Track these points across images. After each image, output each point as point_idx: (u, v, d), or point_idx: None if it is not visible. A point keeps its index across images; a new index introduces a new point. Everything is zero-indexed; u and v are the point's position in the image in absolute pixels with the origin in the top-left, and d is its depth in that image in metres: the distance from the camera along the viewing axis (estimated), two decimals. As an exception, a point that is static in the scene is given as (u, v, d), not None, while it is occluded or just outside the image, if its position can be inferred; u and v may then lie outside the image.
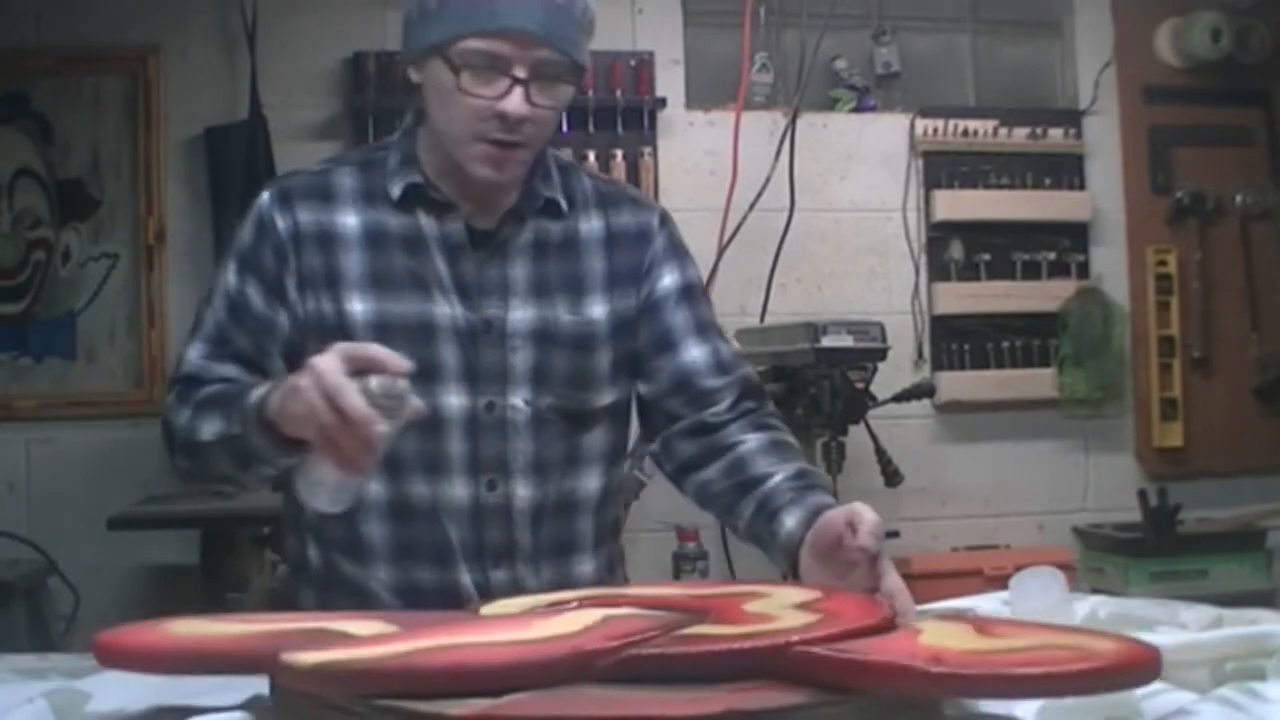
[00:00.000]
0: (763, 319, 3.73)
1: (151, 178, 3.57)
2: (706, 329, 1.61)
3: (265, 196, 1.53)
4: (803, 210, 3.76)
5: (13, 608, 3.10)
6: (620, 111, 3.69)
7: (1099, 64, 4.06)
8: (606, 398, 1.57)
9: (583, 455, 1.56)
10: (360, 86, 3.59)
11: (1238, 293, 4.09)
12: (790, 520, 1.41)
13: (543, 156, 1.56)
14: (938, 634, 0.98)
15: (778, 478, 1.48)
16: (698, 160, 3.78)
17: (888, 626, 1.00)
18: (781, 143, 3.77)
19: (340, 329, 1.46)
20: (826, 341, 3.21)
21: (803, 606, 1.07)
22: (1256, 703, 0.91)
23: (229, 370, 1.49)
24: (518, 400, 1.50)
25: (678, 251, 1.63)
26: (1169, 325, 4.05)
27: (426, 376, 1.46)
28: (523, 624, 1.03)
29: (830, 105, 3.96)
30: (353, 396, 1.19)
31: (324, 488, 1.28)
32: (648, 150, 3.73)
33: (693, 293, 1.62)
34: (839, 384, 3.25)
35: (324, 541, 1.54)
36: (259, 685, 1.04)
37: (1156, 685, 0.97)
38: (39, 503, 3.47)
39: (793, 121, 3.77)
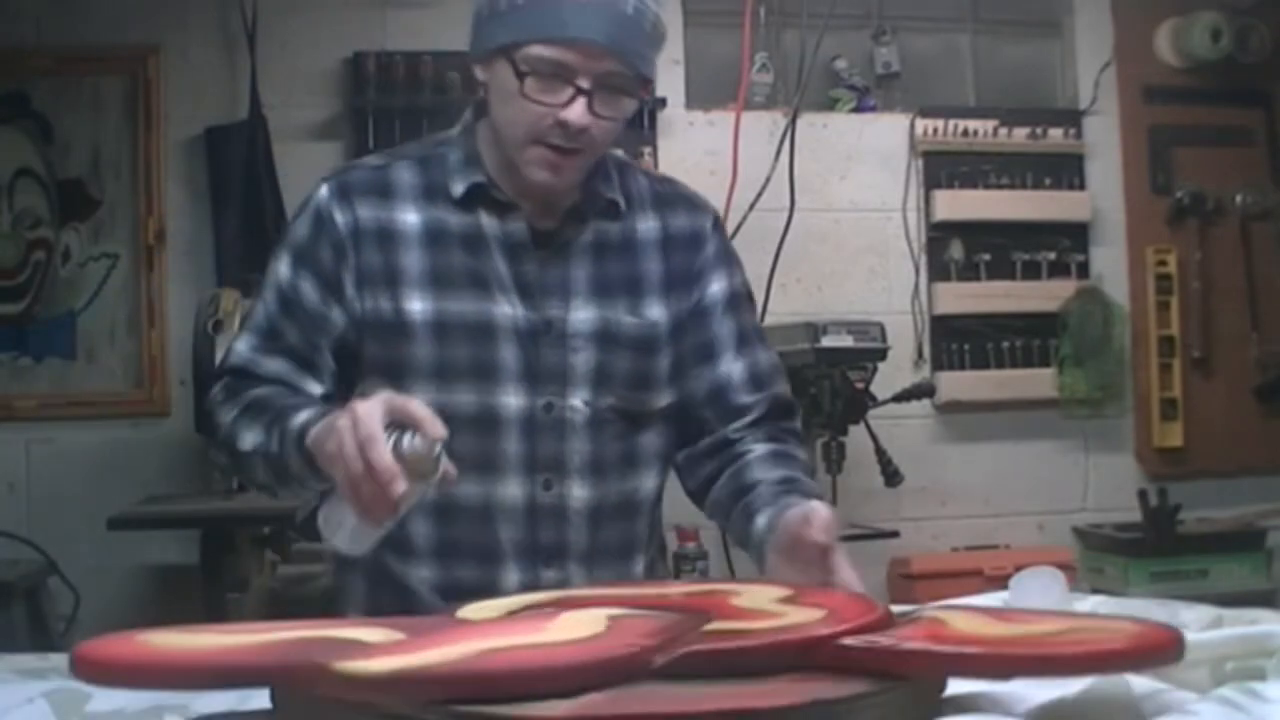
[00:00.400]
0: (763, 319, 3.70)
1: (151, 178, 3.57)
2: (748, 339, 1.62)
3: (324, 191, 1.51)
4: (803, 210, 3.75)
5: (13, 608, 3.10)
6: (620, 111, 3.69)
7: (1099, 64, 4.06)
8: (664, 399, 1.57)
9: (639, 456, 1.56)
10: (360, 86, 3.59)
11: (1238, 293, 4.09)
12: (762, 520, 1.45)
13: (602, 156, 1.55)
14: (962, 623, 0.99)
15: (764, 483, 1.50)
16: (698, 160, 3.78)
17: (888, 619, 1.01)
18: (781, 143, 3.77)
19: (399, 327, 1.46)
20: (826, 341, 3.22)
21: (789, 601, 1.08)
22: (1256, 703, 0.91)
23: (277, 365, 1.48)
24: (577, 401, 1.50)
25: (728, 257, 1.64)
26: (1169, 325, 4.05)
27: (485, 376, 1.46)
28: (534, 626, 1.02)
29: (830, 105, 3.96)
30: (381, 450, 1.18)
31: (344, 529, 1.27)
32: (647, 150, 3.73)
33: (739, 301, 1.63)
34: (839, 384, 3.25)
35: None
36: (254, 689, 1.03)
37: (1157, 685, 0.98)
38: (39, 503, 3.47)
39: (793, 121, 3.77)
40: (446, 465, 1.23)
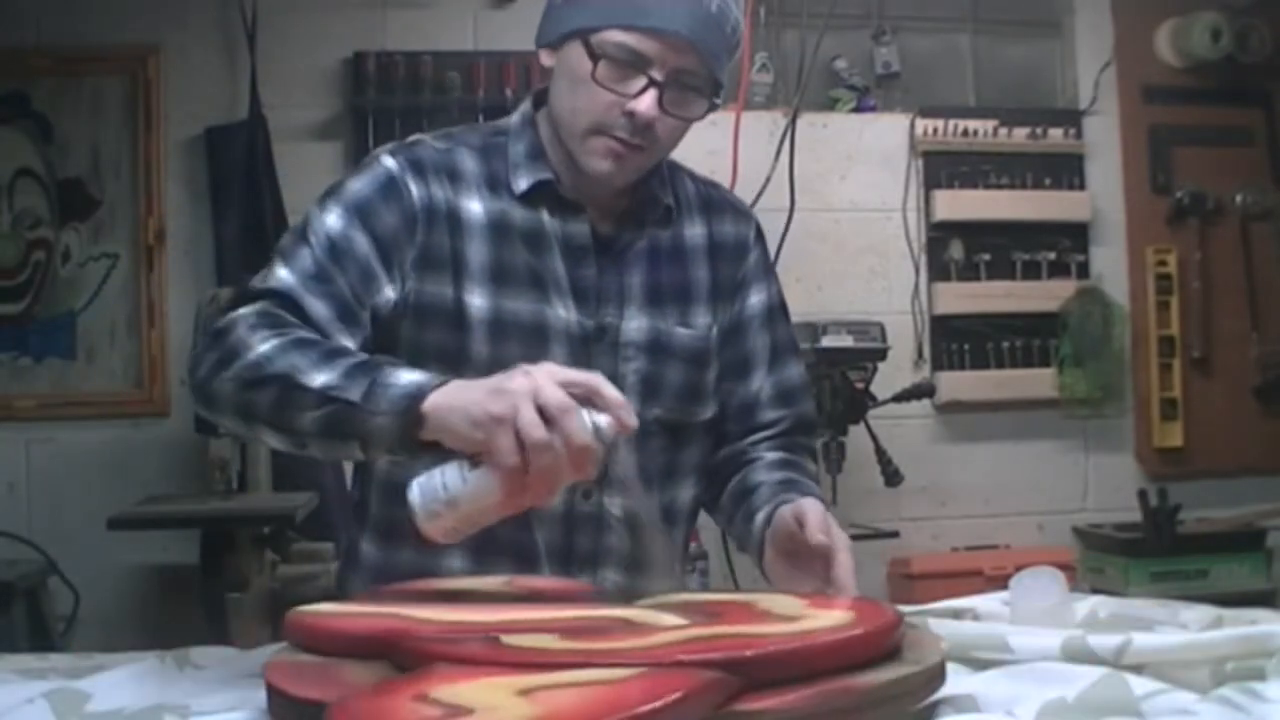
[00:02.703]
0: (763, 319, 3.72)
1: (151, 178, 3.57)
2: (781, 355, 1.61)
3: (393, 161, 1.43)
4: (803, 210, 3.75)
5: (13, 608, 3.10)
6: (620, 111, 3.69)
7: (1099, 64, 4.06)
8: (709, 411, 1.56)
9: (680, 468, 1.54)
10: (360, 86, 3.59)
11: (1238, 293, 4.09)
12: (759, 518, 1.45)
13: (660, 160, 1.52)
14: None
15: (766, 484, 1.50)
16: (698, 160, 3.68)
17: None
18: (781, 143, 3.77)
19: (458, 318, 1.42)
20: (826, 341, 3.22)
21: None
22: (1256, 703, 0.91)
23: (321, 308, 1.33)
24: None
25: (768, 267, 1.64)
26: (1169, 325, 4.05)
27: None
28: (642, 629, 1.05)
29: (830, 105, 3.96)
30: (582, 423, 1.08)
31: (453, 511, 1.12)
32: (648, 150, 3.72)
33: (775, 314, 1.62)
34: (839, 384, 3.25)
35: (388, 534, 1.48)
36: (255, 689, 1.04)
37: (1157, 685, 0.98)
38: (39, 503, 3.47)
39: (793, 121, 3.77)
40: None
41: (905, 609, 1.25)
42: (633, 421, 1.12)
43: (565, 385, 1.10)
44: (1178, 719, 0.91)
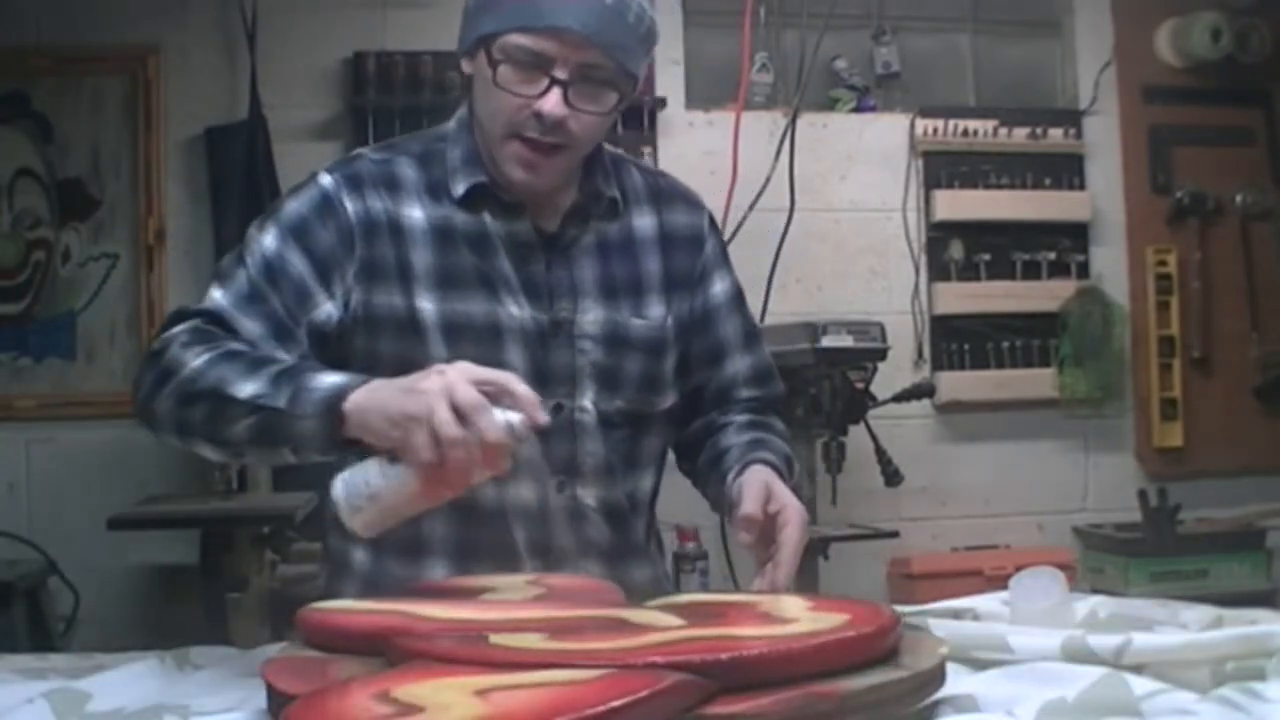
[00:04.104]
0: (763, 319, 3.72)
1: (151, 178, 3.57)
2: (752, 338, 1.64)
3: (329, 178, 1.46)
4: (803, 210, 3.75)
5: (13, 608, 3.10)
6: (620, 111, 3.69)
7: (1099, 64, 4.06)
8: (669, 400, 1.58)
9: (642, 458, 1.56)
10: (360, 86, 3.60)
11: (1238, 293, 4.09)
12: (729, 480, 1.49)
13: (599, 152, 1.54)
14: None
15: (735, 446, 1.53)
16: (698, 160, 3.78)
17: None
18: (781, 143, 3.77)
19: (410, 325, 1.44)
20: (826, 341, 3.21)
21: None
22: (1256, 703, 0.91)
23: (254, 327, 1.37)
24: (585, 402, 1.49)
25: (725, 256, 1.65)
26: (1169, 325, 4.05)
27: None
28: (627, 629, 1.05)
29: (830, 105, 3.96)
30: (494, 419, 1.12)
31: (375, 505, 1.17)
32: (648, 150, 3.73)
33: (740, 299, 1.65)
34: (839, 384, 3.25)
35: (376, 543, 1.48)
36: (255, 689, 1.04)
37: (1157, 685, 0.98)
38: (39, 503, 3.47)
39: (793, 121, 3.77)
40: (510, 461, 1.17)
41: (905, 609, 1.25)
42: (543, 418, 1.16)
43: (478, 383, 1.14)
44: (1178, 719, 0.91)
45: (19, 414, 3.50)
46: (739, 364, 1.61)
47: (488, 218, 1.48)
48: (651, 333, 1.53)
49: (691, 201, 1.64)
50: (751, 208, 3.70)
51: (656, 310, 1.55)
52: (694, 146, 3.81)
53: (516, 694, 0.87)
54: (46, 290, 3.56)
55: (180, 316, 1.38)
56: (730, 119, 3.75)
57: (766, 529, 1.40)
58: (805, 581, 3.26)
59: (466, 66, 1.47)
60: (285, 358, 1.33)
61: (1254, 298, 4.10)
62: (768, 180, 3.72)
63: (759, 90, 3.85)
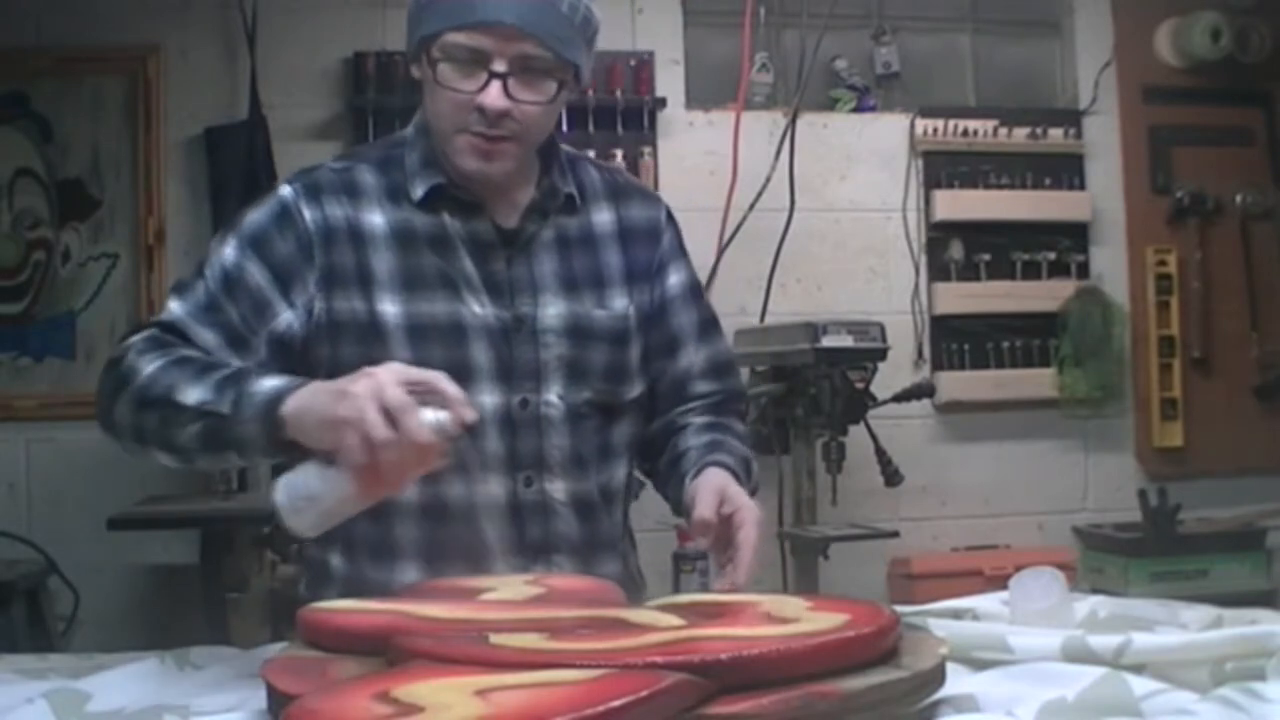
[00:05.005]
0: (763, 319, 3.72)
1: (151, 178, 3.57)
2: (709, 329, 1.66)
3: (289, 189, 1.49)
4: (803, 210, 3.75)
5: (13, 608, 3.10)
6: (620, 111, 3.69)
7: (1099, 64, 4.06)
8: (636, 390, 1.59)
9: (614, 448, 1.57)
10: (360, 86, 3.59)
11: (1238, 293, 4.09)
12: (687, 483, 1.50)
13: (555, 150, 1.57)
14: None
15: (693, 449, 1.55)
16: (698, 160, 3.78)
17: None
18: (781, 143, 3.77)
19: (374, 329, 1.45)
20: (826, 341, 3.21)
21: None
22: (1256, 703, 0.91)
23: (210, 336, 1.41)
24: (551, 396, 1.51)
25: (682, 248, 1.67)
26: (1169, 325, 4.05)
27: (459, 377, 1.45)
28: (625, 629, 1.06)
29: (830, 105, 3.96)
30: (419, 419, 1.14)
31: (314, 506, 1.19)
32: (647, 150, 3.73)
33: (697, 291, 1.67)
34: (839, 384, 3.25)
35: (350, 548, 1.51)
36: (255, 689, 1.04)
37: (1157, 685, 0.98)
38: (39, 503, 3.47)
39: (793, 121, 3.77)
40: (444, 459, 1.19)
41: (905, 609, 1.25)
42: (471, 416, 1.18)
43: (407, 384, 1.16)
44: (1178, 719, 0.91)
45: (19, 414, 3.50)
46: (694, 355, 1.62)
47: (447, 218, 1.50)
48: (615, 323, 1.55)
49: (648, 196, 1.67)
50: (751, 208, 3.70)
51: (619, 302, 1.57)
52: (694, 146, 3.80)
53: (516, 694, 0.87)
54: (46, 290, 3.56)
55: (139, 328, 1.43)
56: (730, 119, 3.75)
57: (722, 531, 1.41)
58: (805, 581, 3.26)
59: (415, 71, 1.51)
60: (234, 364, 1.36)
61: (1254, 298, 4.10)
62: (768, 180, 3.72)
63: (759, 90, 3.85)
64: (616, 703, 0.83)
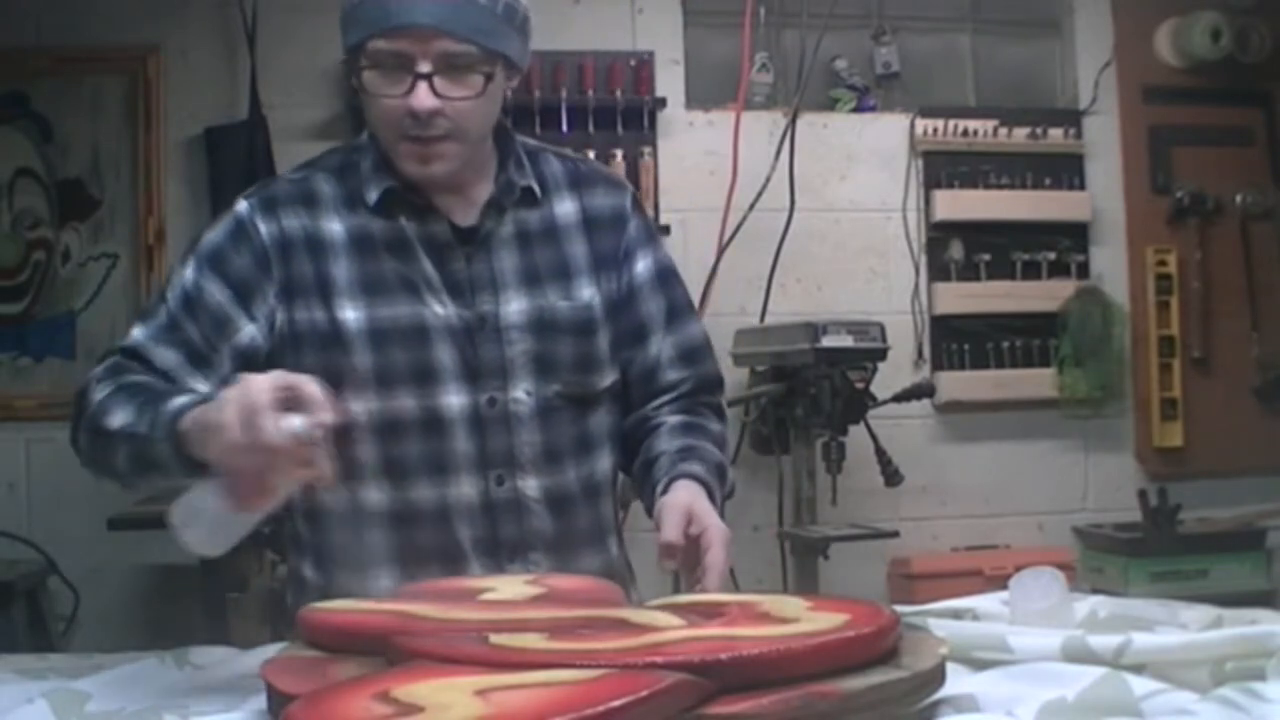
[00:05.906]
0: (763, 319, 3.72)
1: (151, 178, 3.57)
2: (678, 315, 1.63)
3: (244, 204, 1.52)
4: (803, 210, 3.75)
5: (13, 608, 3.10)
6: (620, 111, 3.69)
7: (1099, 64, 4.05)
8: (608, 379, 1.58)
9: (593, 439, 1.57)
10: (360, 86, 3.59)
11: (1238, 293, 4.09)
12: (659, 492, 1.49)
13: (512, 144, 1.57)
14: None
15: (665, 454, 1.53)
16: (698, 160, 3.78)
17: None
18: (781, 143, 3.77)
19: (335, 336, 1.46)
20: (826, 341, 3.21)
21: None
22: (1256, 703, 0.91)
23: (170, 356, 1.43)
24: (519, 393, 1.50)
25: (650, 234, 1.65)
26: (1169, 325, 4.05)
27: (425, 378, 1.46)
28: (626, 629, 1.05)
29: (830, 105, 3.96)
30: (269, 421, 1.11)
31: (202, 519, 1.18)
32: (647, 150, 3.73)
33: (666, 276, 1.64)
34: (839, 384, 3.25)
35: (321, 557, 1.52)
36: (255, 689, 1.04)
37: (1157, 685, 0.98)
38: (39, 503, 3.47)
39: (793, 121, 3.77)
40: (325, 466, 1.14)
41: (905, 609, 1.25)
42: (329, 418, 1.15)
43: (277, 389, 1.14)
44: (1178, 719, 0.91)
45: (19, 414, 3.50)
46: (663, 342, 1.61)
47: (404, 221, 1.51)
48: (579, 314, 1.54)
49: (613, 183, 1.65)
50: (751, 208, 3.70)
51: (586, 292, 1.56)
52: (694, 146, 3.80)
53: (516, 694, 0.87)
54: (46, 290, 3.56)
55: (105, 355, 1.46)
56: (730, 119, 3.75)
57: (690, 551, 1.39)
58: (805, 581, 3.26)
59: (353, 82, 1.51)
60: (165, 386, 1.37)
61: (1254, 298, 4.10)
62: (768, 180, 3.72)
63: (759, 90, 3.85)
64: (616, 703, 0.83)
